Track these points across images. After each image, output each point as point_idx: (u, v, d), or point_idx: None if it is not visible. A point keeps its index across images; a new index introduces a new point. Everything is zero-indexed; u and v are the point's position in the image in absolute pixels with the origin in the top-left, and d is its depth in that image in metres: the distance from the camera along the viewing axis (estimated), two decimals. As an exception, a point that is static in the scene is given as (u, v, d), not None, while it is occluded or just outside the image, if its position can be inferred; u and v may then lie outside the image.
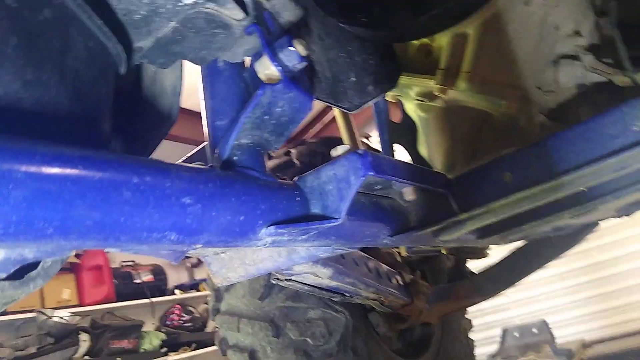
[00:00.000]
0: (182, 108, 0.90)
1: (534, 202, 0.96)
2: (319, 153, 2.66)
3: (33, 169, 0.42)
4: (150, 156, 0.88)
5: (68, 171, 0.45)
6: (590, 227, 2.32)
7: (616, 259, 4.98)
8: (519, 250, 2.31)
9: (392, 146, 1.40)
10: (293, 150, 2.56)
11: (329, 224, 0.71)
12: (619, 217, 2.03)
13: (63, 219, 0.44)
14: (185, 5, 0.69)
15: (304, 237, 0.75)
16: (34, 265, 0.54)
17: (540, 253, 2.25)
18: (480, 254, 2.52)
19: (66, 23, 0.57)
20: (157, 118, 0.84)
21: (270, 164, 2.51)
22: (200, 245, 0.60)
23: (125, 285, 5.09)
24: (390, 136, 1.40)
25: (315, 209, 0.75)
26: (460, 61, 0.92)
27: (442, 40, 0.90)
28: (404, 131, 1.36)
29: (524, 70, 0.93)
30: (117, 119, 0.75)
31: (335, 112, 1.88)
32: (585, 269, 5.11)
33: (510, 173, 0.91)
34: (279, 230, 0.67)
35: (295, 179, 0.78)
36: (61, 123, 0.54)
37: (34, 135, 0.52)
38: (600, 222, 2.27)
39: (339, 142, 2.29)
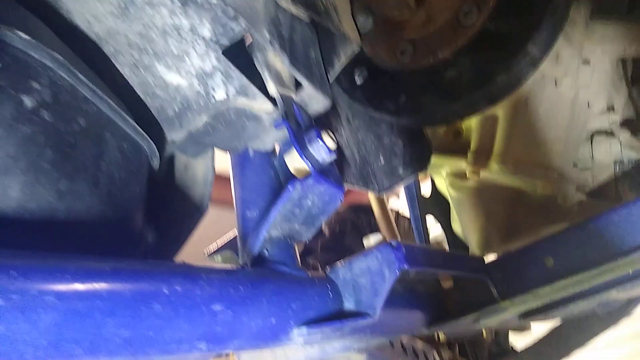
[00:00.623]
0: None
1: (579, 287, 0.91)
2: (348, 220, 2.64)
3: (63, 289, 0.41)
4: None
5: (98, 287, 0.44)
6: (637, 300, 2.19)
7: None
8: (564, 325, 2.18)
9: (423, 219, 1.37)
10: (322, 219, 2.55)
11: (364, 321, 0.68)
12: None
13: (92, 340, 0.42)
14: (217, 101, 0.71)
15: (337, 333, 0.72)
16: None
17: (586, 326, 2.12)
18: (523, 327, 2.40)
19: (100, 128, 0.58)
20: (188, 207, 0.84)
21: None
22: (231, 352, 0.58)
23: None
24: (422, 210, 1.37)
25: (349, 304, 0.72)
26: (491, 143, 0.90)
27: (472, 122, 0.89)
28: (435, 205, 1.33)
29: (558, 150, 0.91)
30: (149, 209, 0.75)
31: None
32: (630, 338, 4.80)
33: (551, 257, 0.87)
34: (312, 331, 0.64)
35: (327, 270, 0.76)
36: (93, 229, 0.54)
37: (65, 246, 0.51)
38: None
39: (367, 209, 2.27)
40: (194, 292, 0.51)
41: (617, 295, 1.52)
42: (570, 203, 0.99)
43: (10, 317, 0.38)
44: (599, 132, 0.96)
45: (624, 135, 0.93)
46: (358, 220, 2.34)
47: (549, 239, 0.89)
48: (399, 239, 1.78)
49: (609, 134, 0.96)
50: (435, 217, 1.37)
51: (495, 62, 0.72)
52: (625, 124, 0.96)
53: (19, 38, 0.47)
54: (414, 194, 1.31)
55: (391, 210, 2.07)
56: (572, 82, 0.85)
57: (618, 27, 0.87)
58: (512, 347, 2.42)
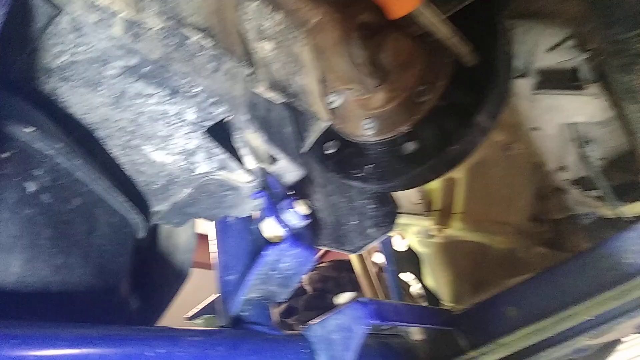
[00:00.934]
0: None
1: (543, 334, 0.97)
2: (330, 278, 2.67)
3: (58, 354, 0.47)
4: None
5: (88, 352, 0.49)
6: (614, 344, 2.24)
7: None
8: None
9: (398, 276, 1.43)
10: (305, 277, 2.58)
11: (337, 376, 0.73)
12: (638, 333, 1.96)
13: (82, 402, 0.47)
14: (199, 174, 0.78)
15: (312, 389, 0.76)
16: None
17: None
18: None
19: (92, 206, 0.65)
20: (171, 274, 0.89)
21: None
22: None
23: None
24: (398, 266, 1.43)
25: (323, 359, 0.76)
26: (452, 203, 0.98)
27: (435, 184, 0.98)
28: (410, 260, 1.40)
29: (515, 207, 0.99)
30: (134, 275, 0.80)
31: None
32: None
33: (514, 307, 0.93)
34: (287, 387, 0.68)
35: (303, 328, 0.81)
36: (84, 298, 0.60)
37: (59, 314, 0.57)
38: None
39: (349, 265, 2.32)
40: (174, 353, 0.56)
41: (589, 341, 1.57)
42: (530, 255, 1.07)
43: (12, 381, 0.43)
44: (552, 190, 1.05)
45: (575, 192, 1.02)
46: (340, 277, 2.38)
47: (511, 289, 0.95)
48: (381, 294, 1.83)
49: (561, 191, 1.05)
50: (411, 272, 1.43)
51: (449, 133, 0.81)
52: (576, 182, 1.06)
53: (24, 132, 0.55)
54: (389, 252, 1.38)
55: (374, 264, 2.13)
56: (522, 146, 0.95)
57: (562, 98, 0.97)
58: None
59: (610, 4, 0.56)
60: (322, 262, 2.68)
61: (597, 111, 0.96)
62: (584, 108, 0.96)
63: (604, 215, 0.97)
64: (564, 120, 0.97)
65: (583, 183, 1.07)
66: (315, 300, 2.26)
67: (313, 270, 2.58)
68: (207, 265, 0.94)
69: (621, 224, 0.99)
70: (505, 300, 0.95)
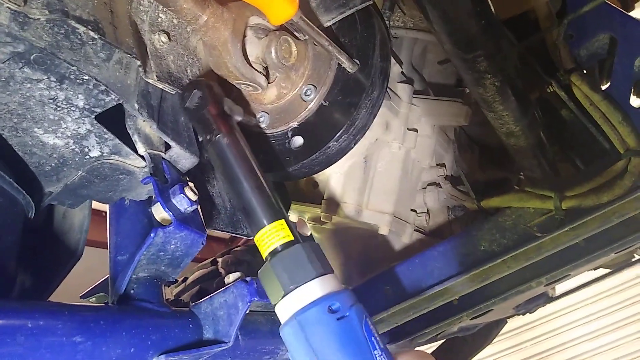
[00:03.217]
0: (97, 210, 0.98)
1: (417, 311, 1.09)
2: (244, 261, 2.74)
3: None
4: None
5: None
6: (500, 323, 2.49)
7: (550, 351, 5.17)
8: (437, 351, 2.42)
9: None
10: (219, 260, 2.62)
11: (219, 348, 0.79)
12: (521, 314, 2.20)
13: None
14: (91, 157, 0.81)
15: (197, 361, 0.82)
16: None
17: (457, 352, 2.37)
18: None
19: (-22, 185, 0.67)
20: (65, 253, 0.91)
21: (196, 273, 2.54)
22: None
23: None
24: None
25: (208, 334, 0.83)
26: (340, 193, 1.08)
27: (324, 174, 1.07)
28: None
29: (395, 198, 1.11)
30: (27, 254, 0.82)
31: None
32: (521, 364, 5.24)
33: (389, 287, 1.05)
34: (170, 359, 0.74)
35: (192, 305, 0.87)
36: (-35, 275, 0.62)
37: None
38: (507, 320, 2.44)
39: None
40: (56, 325, 0.60)
41: (470, 320, 1.75)
42: (413, 241, 1.19)
43: None
44: (430, 184, 1.17)
45: (447, 187, 1.16)
46: (254, 260, 2.45)
47: (388, 270, 1.07)
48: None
49: (437, 185, 1.18)
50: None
51: (332, 130, 0.89)
52: (449, 178, 1.19)
53: None
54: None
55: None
56: (400, 145, 1.06)
57: (437, 103, 1.10)
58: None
59: (451, 30, 0.66)
60: (237, 246, 2.73)
61: (465, 116, 1.09)
62: (455, 113, 1.09)
63: (470, 208, 1.10)
64: (438, 124, 1.09)
65: (452, 180, 1.21)
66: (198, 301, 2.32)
67: (228, 254, 2.63)
68: (104, 245, 0.96)
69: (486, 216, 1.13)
70: (382, 281, 1.06)
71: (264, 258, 0.66)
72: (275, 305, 0.63)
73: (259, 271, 0.66)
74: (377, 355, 0.55)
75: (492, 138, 1.37)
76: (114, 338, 0.67)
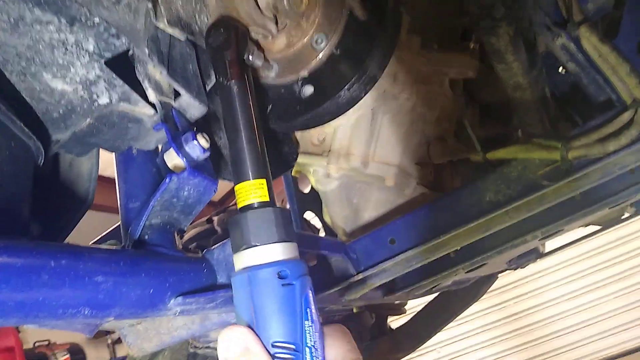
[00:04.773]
0: (104, 177, 0.98)
1: (419, 261, 1.12)
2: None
3: (-40, 260, 0.50)
4: (70, 234, 0.94)
5: (-9, 260, 0.53)
6: (490, 279, 2.56)
7: (533, 309, 5.35)
8: (429, 306, 2.50)
9: (301, 215, 1.54)
10: (215, 218, 2.64)
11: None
12: (513, 269, 2.27)
13: (-12, 303, 0.51)
14: (100, 105, 0.80)
15: (211, 304, 0.84)
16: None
17: (448, 307, 2.45)
18: (398, 310, 2.69)
19: (-9, 129, 0.66)
20: (73, 202, 0.91)
21: (192, 232, 2.56)
22: (113, 318, 0.68)
23: (38, 367, 4.69)
24: (300, 206, 1.54)
25: (222, 279, 0.84)
26: (347, 145, 1.09)
27: (331, 126, 1.07)
28: (313, 201, 1.51)
29: (400, 150, 1.11)
30: (35, 203, 0.82)
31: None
32: (505, 321, 5.43)
33: (394, 237, 1.07)
34: (187, 300, 0.76)
35: (204, 252, 0.88)
36: (-16, 216, 0.62)
37: (-42, 229, 0.59)
38: (498, 275, 2.51)
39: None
40: (77, 265, 0.61)
41: (468, 274, 1.80)
42: (414, 194, 1.21)
43: None
44: (435, 137, 1.18)
45: (451, 140, 1.17)
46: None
47: (393, 222, 1.09)
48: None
49: (442, 139, 1.19)
50: (313, 211, 1.54)
51: (342, 80, 0.89)
52: (454, 132, 1.20)
53: None
54: (292, 191, 1.47)
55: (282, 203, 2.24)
56: (408, 97, 1.06)
57: (445, 55, 1.09)
58: (390, 328, 2.70)
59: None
60: (232, 204, 2.75)
61: (473, 69, 1.09)
62: (463, 65, 1.08)
63: (475, 161, 1.11)
64: (446, 76, 1.09)
65: (457, 133, 1.22)
66: (224, 240, 2.34)
67: (223, 212, 2.64)
68: (113, 209, 0.96)
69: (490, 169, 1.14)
70: (388, 232, 1.08)
71: (238, 208, 0.70)
72: (234, 253, 0.67)
73: (230, 218, 0.70)
74: (307, 326, 0.61)
75: (492, 95, 1.37)
76: (134, 279, 0.68)
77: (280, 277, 0.62)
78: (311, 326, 0.61)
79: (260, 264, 0.63)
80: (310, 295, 0.64)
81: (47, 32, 0.70)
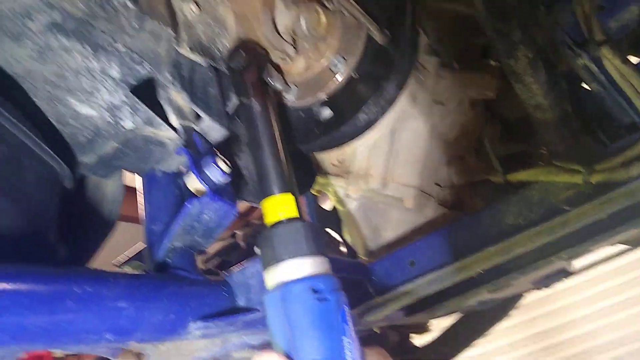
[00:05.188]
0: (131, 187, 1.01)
1: (439, 284, 1.10)
2: (261, 235, 2.77)
3: (-11, 288, 0.52)
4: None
5: (20, 287, 0.54)
6: (516, 298, 2.51)
7: (564, 326, 5.21)
8: (454, 325, 2.45)
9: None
10: (239, 232, 2.65)
11: (252, 315, 0.82)
12: (538, 289, 2.21)
13: (16, 329, 0.52)
14: (124, 129, 0.82)
15: (231, 327, 0.84)
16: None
17: (474, 326, 2.40)
18: (422, 328, 2.65)
19: (20, 155, 0.68)
20: (99, 222, 0.94)
21: (216, 246, 2.58)
22: (134, 342, 0.69)
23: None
24: (321, 223, 1.54)
25: (241, 302, 0.85)
26: (365, 166, 1.09)
27: (350, 148, 1.07)
28: (334, 218, 1.51)
29: (419, 171, 1.11)
30: (62, 224, 0.84)
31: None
32: (533, 338, 5.29)
33: (413, 260, 1.06)
34: (207, 324, 0.77)
35: (225, 273, 0.89)
36: (15, 241, 0.64)
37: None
38: (524, 294, 2.46)
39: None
40: (101, 291, 0.62)
41: (490, 295, 1.77)
42: (434, 214, 1.20)
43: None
44: (455, 157, 1.17)
45: (472, 160, 1.15)
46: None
47: (413, 244, 1.08)
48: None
49: (462, 158, 1.18)
50: (333, 229, 1.54)
51: (360, 102, 0.90)
52: (474, 151, 1.19)
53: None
54: (312, 208, 1.48)
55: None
56: (426, 118, 1.06)
57: (464, 76, 1.09)
58: (413, 346, 2.66)
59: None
60: (256, 218, 2.76)
61: (493, 89, 1.08)
62: (483, 86, 1.08)
63: (495, 181, 1.10)
64: (465, 97, 1.08)
65: (477, 153, 1.21)
66: (247, 255, 2.35)
67: (247, 226, 2.66)
68: (135, 219, 0.98)
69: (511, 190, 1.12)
70: (407, 254, 1.07)
71: (266, 224, 0.69)
72: (265, 270, 0.65)
73: (259, 235, 0.69)
74: (346, 342, 0.58)
75: (513, 112, 1.36)
76: (156, 304, 0.69)
77: (314, 292, 0.60)
78: (350, 343, 0.58)
79: (293, 280, 0.61)
80: (347, 311, 0.61)
81: (73, 59, 0.73)
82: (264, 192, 0.69)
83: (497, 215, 1.00)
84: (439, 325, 2.61)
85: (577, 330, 5.13)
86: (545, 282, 1.95)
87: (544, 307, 5.19)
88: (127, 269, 0.96)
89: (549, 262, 1.21)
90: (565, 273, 1.79)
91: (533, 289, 2.15)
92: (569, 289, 5.04)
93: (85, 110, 0.79)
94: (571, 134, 1.14)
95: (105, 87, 0.77)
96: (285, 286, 0.61)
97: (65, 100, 0.77)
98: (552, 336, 5.24)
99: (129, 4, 0.70)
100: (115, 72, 0.76)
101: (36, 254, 0.69)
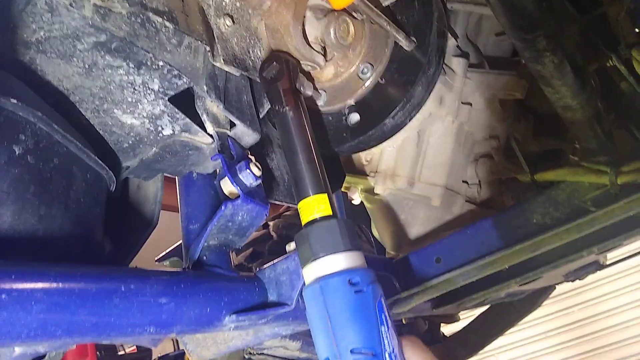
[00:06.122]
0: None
1: (466, 279, 1.13)
2: (295, 225, 2.83)
3: (48, 287, 0.58)
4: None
5: (73, 287, 0.61)
6: (548, 290, 2.49)
7: (598, 316, 5.10)
8: (484, 314, 2.46)
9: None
10: (271, 223, 2.73)
11: (282, 310, 0.87)
12: (570, 281, 2.19)
13: (69, 324, 0.59)
14: (164, 135, 0.88)
15: (263, 320, 0.90)
16: (43, 356, 0.68)
17: (503, 317, 2.40)
18: (452, 318, 2.66)
19: (69, 164, 0.75)
20: (141, 221, 1.00)
21: (249, 237, 2.66)
22: (174, 334, 0.75)
23: (108, 357, 5.01)
24: (351, 218, 1.58)
25: (272, 297, 0.90)
26: (393, 166, 1.12)
27: (378, 149, 1.10)
28: (362, 214, 1.55)
29: (447, 170, 1.13)
30: (107, 223, 0.91)
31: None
32: (569, 327, 5.20)
33: (439, 256, 1.08)
34: (240, 317, 0.82)
35: (256, 270, 0.94)
36: (65, 243, 0.71)
37: (44, 257, 0.68)
38: (556, 286, 2.43)
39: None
40: (144, 289, 0.68)
41: (519, 286, 1.77)
42: (462, 211, 1.22)
43: (11, 307, 0.55)
44: (482, 156, 1.19)
45: (499, 159, 1.16)
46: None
47: (440, 241, 1.11)
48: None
49: (490, 157, 1.19)
50: (362, 223, 1.58)
51: (388, 107, 0.92)
52: (502, 150, 1.20)
53: (11, 102, 0.64)
54: (342, 205, 1.52)
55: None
56: (454, 119, 1.08)
57: (492, 77, 1.10)
58: (443, 336, 2.68)
59: (510, 10, 0.67)
60: (288, 210, 2.83)
61: (521, 90, 1.09)
62: (511, 87, 1.08)
63: (522, 180, 1.11)
64: (492, 96, 1.09)
65: (505, 151, 1.21)
66: (279, 246, 2.42)
67: (279, 218, 2.73)
68: (176, 209, 1.04)
69: (539, 189, 1.13)
70: (433, 251, 1.10)
71: (302, 224, 0.73)
72: (303, 267, 0.70)
73: (296, 234, 0.73)
74: (383, 331, 0.61)
75: (547, 107, 1.35)
76: (193, 299, 0.75)
77: (352, 284, 0.63)
78: (387, 332, 0.62)
79: (330, 273, 0.65)
80: (384, 302, 0.64)
81: (117, 75, 0.79)
82: (300, 195, 0.74)
83: (523, 214, 1.02)
84: (469, 315, 2.63)
85: (611, 321, 5.01)
86: (577, 274, 1.93)
87: (578, 297, 5.08)
88: (167, 264, 1.03)
89: (580, 257, 1.22)
90: (598, 265, 1.78)
91: (565, 281, 2.13)
92: (603, 279, 4.91)
93: (128, 119, 0.85)
94: (603, 131, 1.14)
95: (147, 99, 0.82)
96: (323, 279, 0.65)
97: (111, 111, 0.83)
98: (586, 326, 5.14)
99: (170, 25, 0.75)
100: (156, 85, 0.81)
101: (85, 252, 0.76)
